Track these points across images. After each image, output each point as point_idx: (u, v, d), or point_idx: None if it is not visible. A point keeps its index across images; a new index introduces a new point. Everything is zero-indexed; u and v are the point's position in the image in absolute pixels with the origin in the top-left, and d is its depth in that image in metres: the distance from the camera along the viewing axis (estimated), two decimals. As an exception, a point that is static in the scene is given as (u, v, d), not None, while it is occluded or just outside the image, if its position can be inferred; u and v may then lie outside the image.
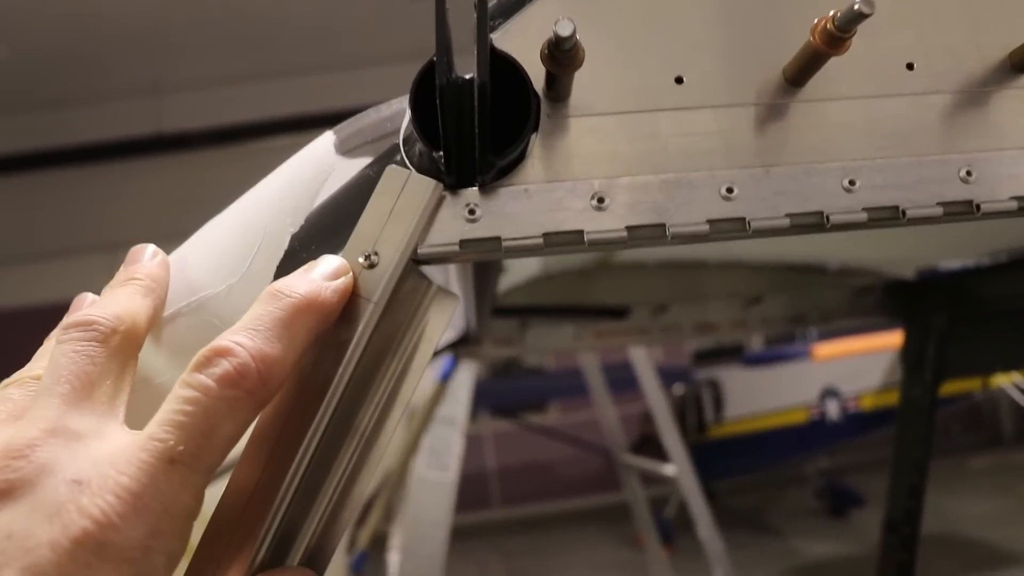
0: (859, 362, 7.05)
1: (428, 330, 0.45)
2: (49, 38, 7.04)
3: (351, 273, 0.43)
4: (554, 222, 0.44)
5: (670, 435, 3.98)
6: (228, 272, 0.47)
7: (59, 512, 0.35)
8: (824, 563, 6.51)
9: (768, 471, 8.20)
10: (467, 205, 0.44)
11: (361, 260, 0.43)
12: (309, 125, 7.37)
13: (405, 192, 0.43)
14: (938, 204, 0.45)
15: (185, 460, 0.37)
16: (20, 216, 8.46)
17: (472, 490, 8.29)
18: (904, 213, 0.45)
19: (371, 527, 2.29)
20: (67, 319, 0.45)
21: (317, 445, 0.42)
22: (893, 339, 5.87)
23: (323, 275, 0.42)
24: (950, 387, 1.93)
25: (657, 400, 4.14)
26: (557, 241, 0.44)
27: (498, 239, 0.44)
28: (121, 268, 0.49)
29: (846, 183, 0.45)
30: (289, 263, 0.46)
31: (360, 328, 0.43)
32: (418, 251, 0.44)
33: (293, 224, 0.47)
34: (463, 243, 0.44)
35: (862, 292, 1.88)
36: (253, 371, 0.39)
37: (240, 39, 7.58)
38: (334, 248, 0.44)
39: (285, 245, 0.47)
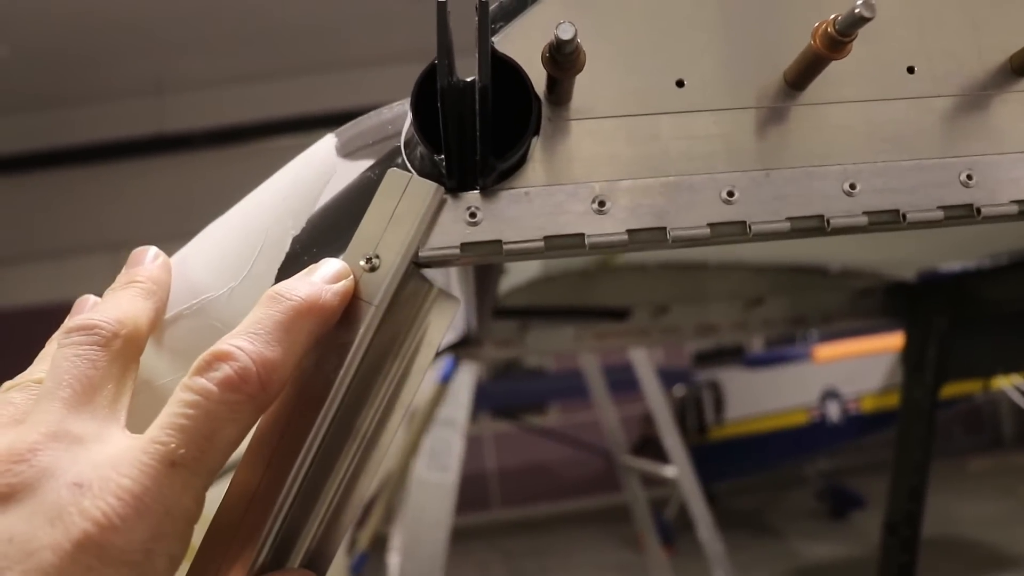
0: (860, 364, 7.05)
1: (429, 333, 0.45)
2: (51, 38, 7.05)
3: (352, 276, 0.43)
4: (555, 225, 0.44)
5: (671, 436, 3.98)
6: (230, 274, 0.47)
7: (60, 515, 0.35)
8: (825, 565, 6.51)
9: (769, 473, 8.20)
10: (468, 208, 0.44)
11: (362, 263, 0.43)
12: (312, 125, 7.39)
13: (406, 195, 0.43)
14: (938, 208, 0.45)
15: (187, 463, 0.37)
16: (21, 216, 8.46)
17: (473, 491, 8.29)
18: (904, 217, 0.45)
19: (371, 528, 2.29)
20: (69, 322, 0.45)
21: (319, 447, 0.42)
22: (894, 341, 5.87)
23: (324, 278, 0.42)
24: (951, 389, 1.93)
25: (658, 401, 4.14)
26: (558, 244, 0.44)
27: (499, 242, 0.44)
28: (123, 270, 0.49)
29: (847, 187, 0.45)
30: (291, 265, 0.46)
31: (361, 331, 0.43)
32: (419, 254, 0.44)
33: (295, 227, 0.47)
34: (464, 246, 0.44)
35: (863, 294, 1.88)
36: (254, 375, 0.39)
37: (242, 39, 7.58)
38: (335, 251, 0.45)
39: (287, 248, 0.47)
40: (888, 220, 0.45)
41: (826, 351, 7.35)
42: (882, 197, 0.45)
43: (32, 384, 0.43)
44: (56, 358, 0.41)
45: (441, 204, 0.44)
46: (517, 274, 1.56)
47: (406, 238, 0.43)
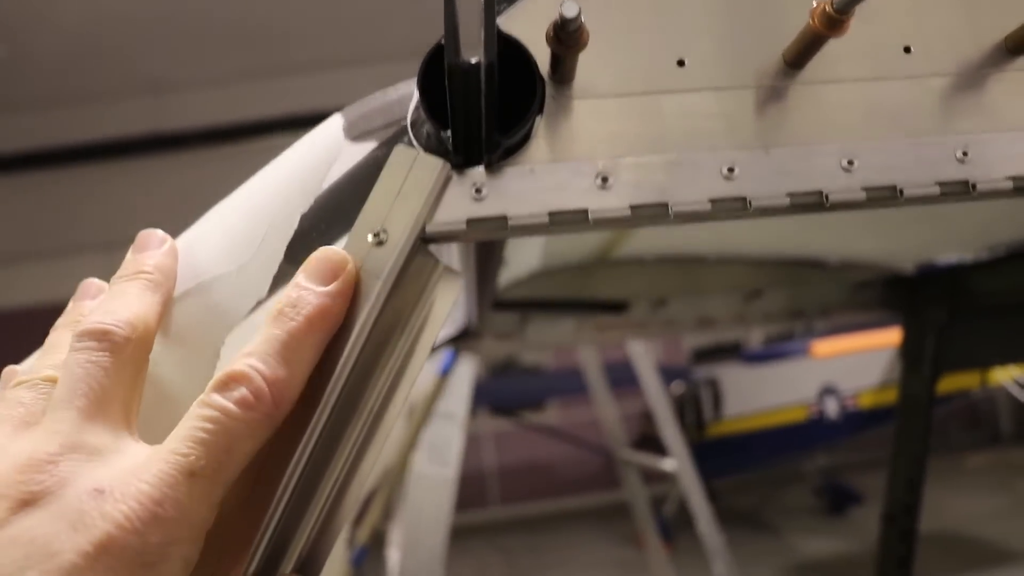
0: (858, 359, 7.06)
1: (435, 308, 0.46)
2: (48, 38, 7.04)
3: (352, 264, 0.44)
4: (559, 201, 0.45)
5: (670, 430, 3.98)
6: (239, 252, 0.48)
7: (82, 519, 0.36)
8: (822, 561, 6.52)
9: (767, 469, 8.21)
10: (474, 184, 0.45)
11: (370, 238, 0.44)
12: (307, 123, 7.28)
13: (413, 171, 0.44)
14: (935, 184, 0.46)
15: (206, 474, 0.39)
16: (17, 216, 8.46)
17: (471, 489, 8.30)
18: (902, 192, 0.46)
19: (371, 522, 2.30)
20: (79, 321, 0.45)
21: (325, 423, 0.43)
22: (892, 336, 5.89)
23: (322, 277, 0.43)
24: (949, 384, 1.93)
25: (656, 394, 4.13)
26: (562, 220, 0.45)
27: (504, 217, 0.44)
28: (130, 254, 0.50)
29: (845, 163, 0.46)
30: (300, 243, 0.47)
31: (368, 306, 0.43)
32: (426, 229, 0.44)
33: (303, 204, 0.48)
34: (470, 222, 0.44)
35: (861, 287, 1.89)
36: (268, 395, 0.41)
37: (238, 38, 7.58)
38: (344, 227, 0.45)
39: (295, 225, 0.47)
40: (886, 196, 0.46)
41: (824, 347, 7.35)
42: (880, 173, 0.46)
43: (42, 383, 0.44)
44: (70, 363, 0.42)
45: (447, 180, 0.45)
46: (516, 267, 1.57)
47: (413, 213, 0.43)
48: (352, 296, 0.44)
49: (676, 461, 3.96)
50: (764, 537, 7.38)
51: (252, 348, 0.42)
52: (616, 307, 1.79)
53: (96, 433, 0.40)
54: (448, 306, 0.46)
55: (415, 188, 0.44)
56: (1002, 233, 1.56)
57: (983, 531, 6.48)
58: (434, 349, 1.94)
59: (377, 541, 2.75)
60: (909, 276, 1.85)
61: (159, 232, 0.51)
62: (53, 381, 0.43)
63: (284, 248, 0.47)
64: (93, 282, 0.50)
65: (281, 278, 0.47)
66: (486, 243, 0.95)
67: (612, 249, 1.63)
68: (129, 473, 0.38)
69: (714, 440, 7.67)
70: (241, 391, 0.40)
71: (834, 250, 1.77)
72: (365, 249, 0.44)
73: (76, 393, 0.41)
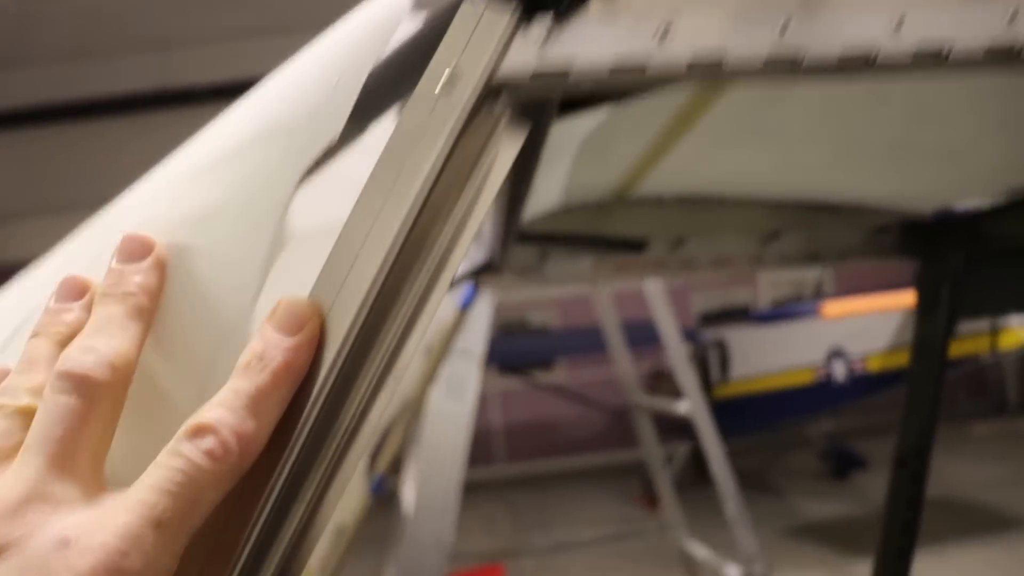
0: (867, 322, 7.03)
1: (499, 160, 0.47)
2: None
3: (317, 316, 0.44)
4: (619, 56, 0.47)
5: (683, 371, 3.98)
6: (311, 104, 0.50)
7: (47, 571, 0.37)
8: (825, 524, 6.58)
9: (772, 432, 8.25)
10: (539, 35, 0.46)
11: (438, 88, 0.46)
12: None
13: (481, 22, 0.46)
14: (982, 47, 0.48)
15: (172, 524, 0.39)
16: (27, 171, 8.48)
17: (478, 446, 8.38)
18: (947, 56, 0.48)
19: (390, 453, 2.33)
20: (62, 332, 0.47)
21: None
22: (903, 299, 5.89)
23: (288, 328, 0.44)
24: (958, 349, 1.93)
25: (670, 333, 4.09)
26: (621, 76, 0.47)
27: (567, 71, 0.46)
28: (115, 263, 0.49)
29: (894, 25, 0.48)
30: (366, 101, 0.49)
31: (435, 154, 0.45)
32: (492, 79, 0.46)
33: (369, 61, 0.49)
34: (535, 72, 0.46)
35: (879, 232, 1.90)
36: (235, 448, 0.41)
37: (250, -8, 7.55)
38: (409, 87, 0.47)
39: (363, 80, 0.49)
40: (932, 60, 0.48)
41: (835, 308, 7.34)
42: (927, 34, 0.48)
43: (17, 415, 0.44)
44: (47, 404, 0.43)
45: (514, 31, 0.46)
46: (539, 200, 1.58)
47: (481, 61, 0.45)
48: (421, 143, 0.45)
49: (690, 403, 3.96)
50: (767, 499, 7.45)
51: (221, 399, 0.42)
52: (635, 245, 1.80)
53: (63, 482, 0.40)
54: (511, 159, 0.47)
55: (483, 37, 0.45)
56: (1022, 176, 1.56)
57: (988, 498, 6.53)
58: (454, 283, 1.96)
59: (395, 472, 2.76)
60: (927, 222, 1.86)
61: (145, 239, 0.49)
62: (28, 413, 0.43)
63: (353, 101, 0.49)
64: (75, 281, 0.49)
65: (347, 137, 0.49)
66: (519, 163, 0.97)
67: (631, 187, 1.64)
68: (95, 523, 0.38)
69: (720, 402, 7.69)
70: (209, 442, 0.41)
71: (852, 194, 1.78)
72: (432, 101, 0.46)
73: (49, 439, 0.41)
